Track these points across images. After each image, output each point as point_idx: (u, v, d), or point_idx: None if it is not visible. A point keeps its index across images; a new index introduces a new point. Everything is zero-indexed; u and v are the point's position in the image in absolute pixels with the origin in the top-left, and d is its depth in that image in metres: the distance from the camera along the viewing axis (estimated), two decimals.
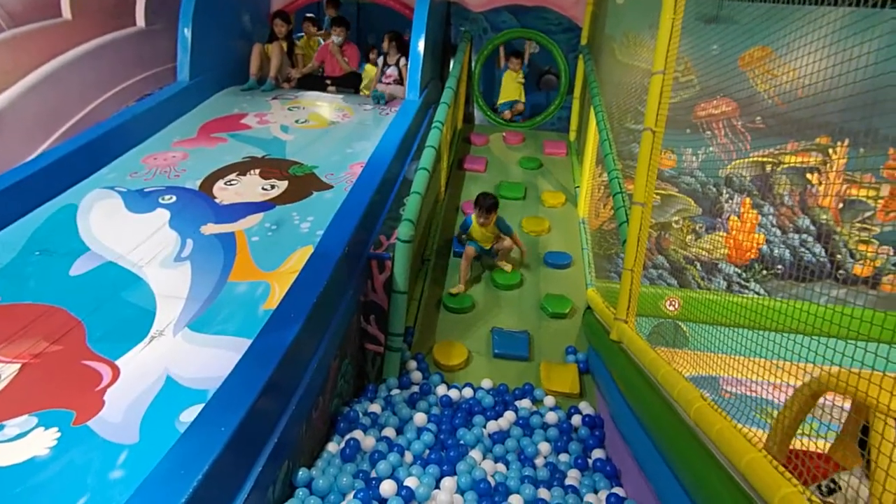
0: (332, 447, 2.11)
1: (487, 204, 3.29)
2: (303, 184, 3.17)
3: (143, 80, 4.27)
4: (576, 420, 2.51)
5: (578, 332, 3.12)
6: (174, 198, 2.89)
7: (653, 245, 4.49)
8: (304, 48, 5.14)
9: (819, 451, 1.34)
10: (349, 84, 4.87)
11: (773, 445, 1.35)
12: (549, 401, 2.64)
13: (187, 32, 4.08)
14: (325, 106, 4.37)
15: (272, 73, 4.67)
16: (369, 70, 4.97)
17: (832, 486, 1.15)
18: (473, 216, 3.38)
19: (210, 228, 2.70)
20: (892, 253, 4.30)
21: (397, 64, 4.68)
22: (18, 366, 1.87)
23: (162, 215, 2.75)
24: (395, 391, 2.59)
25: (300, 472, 1.89)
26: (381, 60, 4.76)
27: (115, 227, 2.64)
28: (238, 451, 1.60)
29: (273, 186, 3.11)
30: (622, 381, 2.22)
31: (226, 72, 4.51)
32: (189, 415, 1.73)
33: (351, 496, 1.86)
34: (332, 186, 3.16)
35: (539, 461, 2.25)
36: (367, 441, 2.15)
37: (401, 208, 2.93)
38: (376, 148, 3.51)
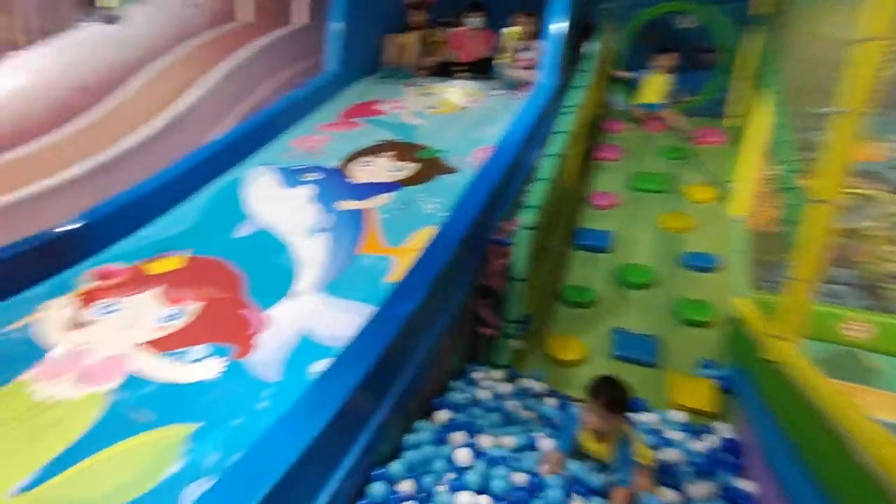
0: (443, 416, 2.32)
1: (610, 398, 1.90)
2: (430, 167, 3.47)
3: (302, 71, 4.98)
4: (712, 442, 2.38)
5: (719, 345, 2.96)
6: (318, 175, 3.38)
7: (836, 255, 3.97)
8: (439, 36, 5.49)
9: None
10: (482, 70, 5.10)
11: None
12: (678, 416, 2.55)
13: (336, 26, 4.65)
14: (455, 92, 4.65)
15: (408, 62, 5.09)
16: (512, 33, 5.01)
17: None
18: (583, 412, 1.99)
19: (345, 205, 3.12)
20: None
21: (530, 47, 4.78)
22: (200, 305, 2.43)
23: (307, 191, 3.24)
24: (504, 386, 2.68)
25: (409, 437, 2.15)
26: (514, 45, 4.89)
27: (270, 199, 3.19)
28: (358, 404, 1.89)
29: (402, 168, 3.46)
30: (779, 409, 2.05)
31: (366, 62, 5.03)
32: (320, 366, 2.09)
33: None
34: (457, 170, 3.41)
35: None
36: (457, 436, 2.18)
37: (526, 195, 3.06)
38: (504, 133, 3.69)
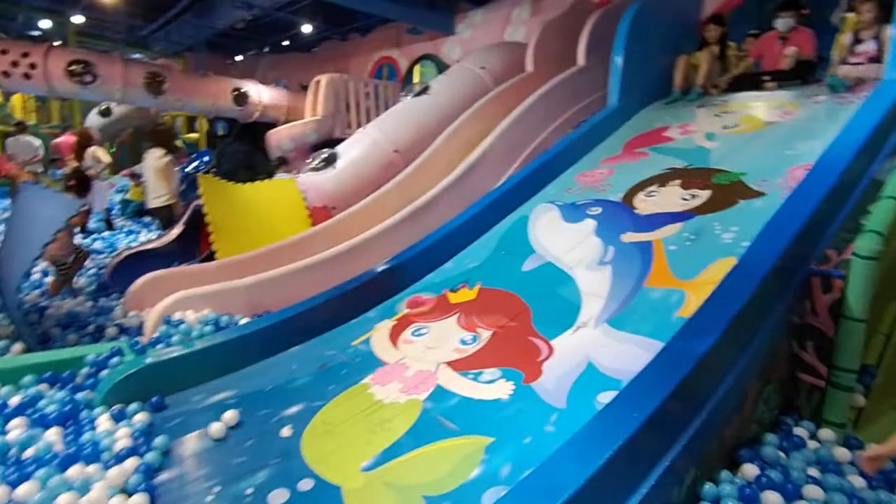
0: (751, 470, 2.11)
1: None
2: (728, 192, 3.26)
3: (580, 110, 5.34)
4: None
5: None
6: (600, 209, 3.54)
7: None
8: (735, 48, 5.14)
9: None
10: (795, 76, 4.55)
11: None
12: None
13: (619, 60, 4.84)
14: (759, 106, 4.26)
15: (700, 81, 4.89)
16: (848, 24, 4.38)
17: None
18: None
19: (629, 237, 3.17)
20: None
21: (877, 37, 4.06)
22: (491, 332, 2.82)
23: (589, 225, 3.42)
24: (839, 450, 2.25)
25: (707, 486, 2.02)
26: (848, 37, 4.24)
27: (554, 234, 3.49)
28: (647, 439, 1.90)
29: (693, 196, 3.33)
30: None
31: (651, 88, 5.05)
32: (605, 397, 2.18)
33: None
34: (763, 194, 3.12)
35: None
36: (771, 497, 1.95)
37: (863, 217, 2.61)
38: (829, 146, 3.21)
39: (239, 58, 12.71)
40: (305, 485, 2.06)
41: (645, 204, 3.46)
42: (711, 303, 2.36)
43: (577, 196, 3.83)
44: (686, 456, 1.97)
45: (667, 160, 3.89)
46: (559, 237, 3.43)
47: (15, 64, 7.20)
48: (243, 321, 3.52)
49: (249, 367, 2.95)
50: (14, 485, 1.97)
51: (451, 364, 2.68)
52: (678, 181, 3.56)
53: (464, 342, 2.84)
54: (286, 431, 2.38)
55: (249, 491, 2.06)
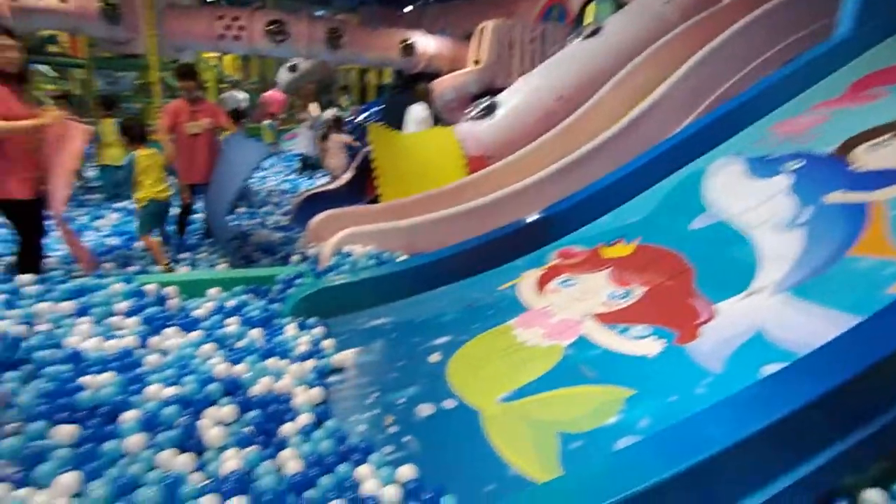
0: None
1: None
2: None
3: (788, 47, 4.63)
4: None
5: None
6: (799, 163, 3.08)
7: None
8: None
9: None
10: None
11: None
12: None
13: None
14: None
15: None
16: None
17: None
18: None
19: (836, 196, 2.74)
20: None
21: None
22: (645, 289, 2.72)
23: (783, 181, 3.01)
24: None
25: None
26: None
27: (734, 190, 3.16)
28: (821, 416, 1.70)
29: None
30: None
31: None
32: (772, 369, 1.98)
33: None
34: None
35: None
36: None
37: None
38: None
39: (408, 8, 13.21)
40: (449, 404, 2.29)
41: (868, 157, 2.92)
42: None
43: (770, 148, 3.39)
44: (872, 445, 1.74)
45: None
46: (741, 194, 3.09)
47: (228, 27, 8.27)
48: (401, 258, 3.84)
49: (404, 299, 3.25)
50: (235, 363, 2.52)
51: (597, 316, 2.65)
52: None
53: (613, 296, 2.77)
54: (434, 358, 2.63)
55: (402, 401, 2.36)
